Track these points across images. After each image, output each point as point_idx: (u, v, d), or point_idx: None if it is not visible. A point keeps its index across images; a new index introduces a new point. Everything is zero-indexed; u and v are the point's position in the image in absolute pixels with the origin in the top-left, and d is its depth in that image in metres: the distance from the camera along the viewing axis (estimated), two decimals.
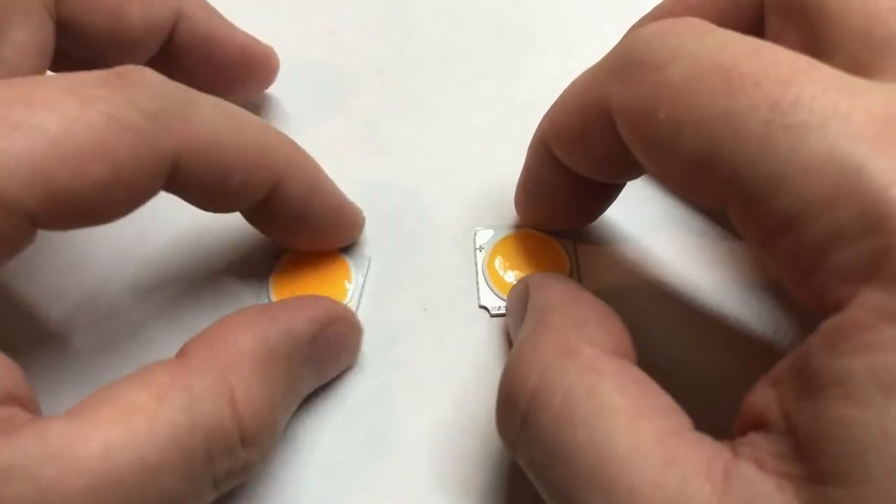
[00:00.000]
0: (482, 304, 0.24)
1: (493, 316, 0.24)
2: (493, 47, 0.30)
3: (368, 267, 0.25)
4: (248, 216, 0.22)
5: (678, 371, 0.22)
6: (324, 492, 0.21)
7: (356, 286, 0.24)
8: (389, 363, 0.23)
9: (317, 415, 0.22)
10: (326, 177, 0.23)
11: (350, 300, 0.24)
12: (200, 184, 0.19)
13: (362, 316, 0.23)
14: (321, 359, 0.20)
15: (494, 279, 0.24)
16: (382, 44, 0.30)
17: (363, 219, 0.25)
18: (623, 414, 0.15)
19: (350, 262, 0.24)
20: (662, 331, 0.23)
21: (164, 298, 0.24)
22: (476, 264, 0.25)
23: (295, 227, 0.23)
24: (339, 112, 0.28)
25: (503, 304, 0.24)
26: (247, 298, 0.24)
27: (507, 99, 0.29)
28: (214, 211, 0.21)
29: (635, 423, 0.15)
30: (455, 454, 0.22)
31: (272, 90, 0.27)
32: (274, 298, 0.24)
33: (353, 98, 0.29)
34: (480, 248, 0.25)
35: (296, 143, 0.22)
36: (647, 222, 0.25)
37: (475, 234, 0.25)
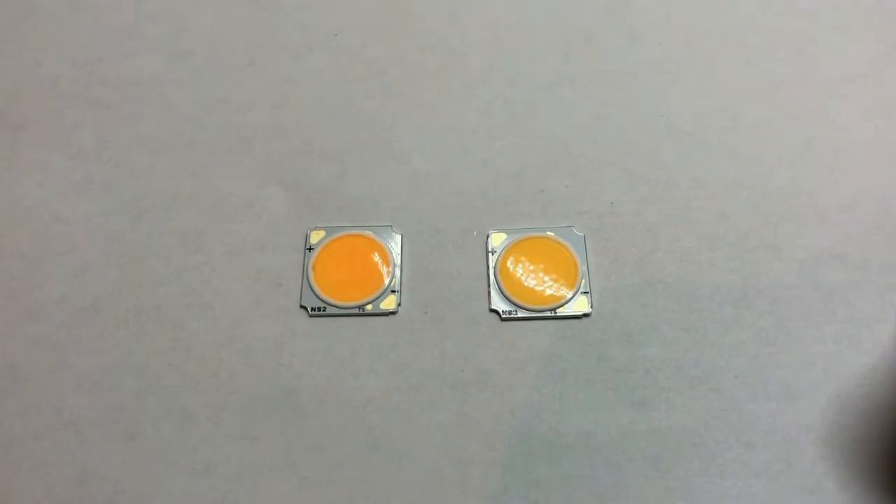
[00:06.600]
0: (493, 307, 0.24)
1: (503, 320, 0.23)
2: (492, 51, 0.30)
3: (402, 241, 0.25)
4: None
5: (683, 368, 0.23)
6: (324, 491, 0.21)
7: (394, 260, 0.25)
8: (391, 364, 0.23)
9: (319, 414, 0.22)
10: None
11: (392, 274, 0.25)
12: None
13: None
14: None
15: (507, 283, 0.24)
16: (383, 47, 0.30)
17: None
18: None
19: (381, 240, 0.25)
20: (671, 331, 0.24)
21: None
22: (488, 267, 0.24)
23: None
24: (340, 113, 0.28)
25: (514, 308, 0.23)
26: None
27: (507, 102, 0.28)
28: None
29: None
30: (455, 456, 0.22)
31: (276, 93, 0.27)
32: (314, 282, 0.25)
33: (355, 101, 0.28)
34: (493, 252, 0.25)
35: None
36: (657, 225, 0.25)
37: (487, 237, 0.25)
